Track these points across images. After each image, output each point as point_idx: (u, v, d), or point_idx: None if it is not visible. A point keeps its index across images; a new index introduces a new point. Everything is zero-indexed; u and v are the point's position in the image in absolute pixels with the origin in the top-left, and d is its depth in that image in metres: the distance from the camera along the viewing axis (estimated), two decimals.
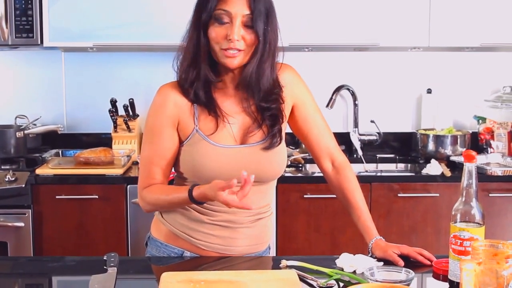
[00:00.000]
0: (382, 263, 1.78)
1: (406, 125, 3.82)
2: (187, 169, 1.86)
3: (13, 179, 3.07)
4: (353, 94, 3.71)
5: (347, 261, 1.76)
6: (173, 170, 1.94)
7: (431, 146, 3.53)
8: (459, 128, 3.72)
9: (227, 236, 1.89)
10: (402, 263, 1.78)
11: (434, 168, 3.27)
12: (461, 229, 1.59)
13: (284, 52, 1.89)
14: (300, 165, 3.43)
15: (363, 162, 3.57)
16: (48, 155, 3.41)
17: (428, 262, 1.80)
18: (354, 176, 2.01)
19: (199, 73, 1.82)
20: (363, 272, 1.69)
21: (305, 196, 3.18)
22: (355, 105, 3.71)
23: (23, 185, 3.07)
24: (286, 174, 3.26)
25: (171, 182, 1.95)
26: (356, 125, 3.71)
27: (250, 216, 1.89)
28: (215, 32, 1.77)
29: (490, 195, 3.20)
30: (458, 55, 3.76)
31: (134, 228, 3.15)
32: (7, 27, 3.27)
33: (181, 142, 1.87)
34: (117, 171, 3.18)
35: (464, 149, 3.48)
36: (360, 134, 3.69)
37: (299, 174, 3.37)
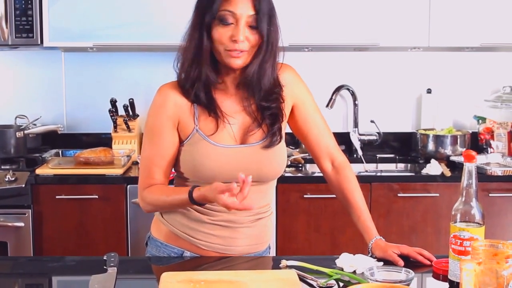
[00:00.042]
0: (382, 263, 1.78)
1: (406, 125, 3.82)
2: (187, 169, 1.86)
3: (13, 179, 3.07)
4: (353, 94, 3.71)
5: (347, 261, 1.77)
6: (173, 170, 1.94)
7: (431, 146, 3.53)
8: (459, 128, 3.72)
9: (227, 236, 1.89)
10: (402, 263, 1.78)
11: (434, 168, 3.27)
12: (461, 229, 1.59)
13: (284, 52, 1.89)
14: (300, 165, 3.43)
15: (363, 162, 3.57)
16: (48, 155, 3.41)
17: (428, 262, 1.80)
18: (354, 176, 2.01)
19: (200, 73, 1.82)
20: (363, 272, 1.69)
21: (305, 196, 3.18)
22: (355, 105, 3.71)
23: (23, 185, 3.07)
24: (286, 174, 3.26)
25: (171, 182, 1.95)
26: (356, 125, 3.71)
27: (250, 216, 1.89)
28: (219, 32, 1.77)
29: (490, 195, 3.20)
30: (458, 55, 3.76)
31: (134, 228, 3.15)
32: (7, 27, 3.27)
33: (181, 142, 1.87)
34: (117, 171, 3.18)
35: (464, 149, 3.48)
36: (360, 134, 3.69)
37: (299, 174, 3.37)
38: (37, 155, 3.43)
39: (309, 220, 3.20)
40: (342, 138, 3.55)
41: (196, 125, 1.85)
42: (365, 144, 3.71)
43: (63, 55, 3.69)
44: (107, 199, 3.14)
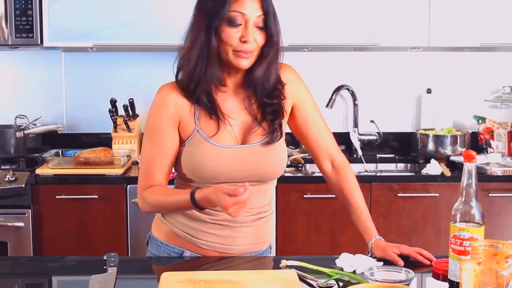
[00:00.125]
0: (381, 263, 1.79)
1: (406, 125, 3.82)
2: (188, 169, 1.86)
3: (13, 179, 3.08)
4: (353, 94, 3.71)
5: (347, 261, 1.77)
6: (173, 170, 1.94)
7: (431, 146, 3.53)
8: (459, 128, 3.72)
9: (227, 235, 1.89)
10: (401, 263, 1.78)
11: (434, 168, 3.27)
12: (461, 229, 1.59)
13: (284, 52, 1.89)
14: (300, 165, 3.43)
15: (363, 162, 3.57)
16: (48, 155, 3.41)
17: (428, 262, 1.80)
18: (354, 176, 2.01)
19: (205, 74, 1.81)
20: (363, 272, 1.69)
21: (305, 196, 3.18)
22: (355, 105, 3.71)
23: (23, 185, 3.07)
24: (286, 174, 3.26)
25: (171, 182, 1.95)
26: (356, 125, 3.71)
27: (251, 216, 1.89)
28: (228, 33, 1.77)
29: (490, 195, 3.20)
30: (458, 55, 3.76)
31: (134, 228, 3.15)
32: (7, 27, 3.27)
33: (181, 142, 1.87)
34: (117, 171, 3.18)
35: (464, 149, 3.48)
36: (360, 134, 3.69)
37: (299, 174, 3.37)
38: (37, 155, 3.43)
39: (309, 220, 3.20)
40: (342, 138, 3.56)
41: (197, 126, 1.85)
42: (365, 144, 3.71)
43: (63, 55, 3.69)
44: (107, 199, 3.14)
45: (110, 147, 3.45)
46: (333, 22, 3.38)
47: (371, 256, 1.85)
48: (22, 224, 3.10)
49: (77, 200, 3.14)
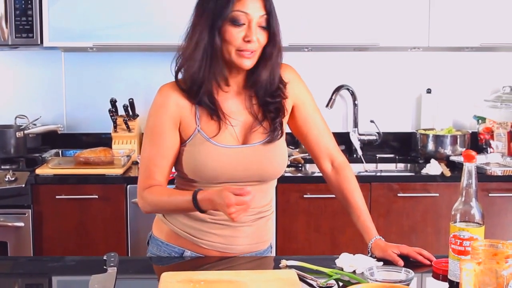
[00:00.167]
0: (381, 263, 1.79)
1: (406, 125, 3.82)
2: (188, 169, 1.86)
3: (13, 179, 3.08)
4: (352, 94, 3.71)
5: (347, 261, 1.77)
6: (173, 170, 1.94)
7: (430, 146, 3.53)
8: (459, 128, 3.72)
9: (228, 235, 1.89)
10: (401, 263, 1.78)
11: (433, 168, 3.27)
12: (460, 229, 1.59)
13: (284, 52, 1.89)
14: (300, 165, 3.43)
15: (363, 162, 3.58)
16: (48, 155, 3.41)
17: (428, 262, 1.80)
18: (354, 176, 2.01)
19: (210, 75, 1.81)
20: (362, 272, 1.69)
21: (305, 196, 3.18)
22: (355, 105, 3.71)
23: (23, 185, 3.07)
24: (286, 174, 3.26)
25: (171, 182, 1.95)
26: (355, 125, 3.71)
27: (251, 215, 1.89)
28: (231, 33, 1.77)
29: (489, 195, 3.20)
30: (457, 55, 3.76)
31: (134, 228, 3.15)
32: (7, 27, 3.27)
33: (182, 142, 1.87)
34: (117, 171, 3.18)
35: (464, 149, 3.48)
36: (360, 134, 3.69)
37: (299, 174, 3.37)
38: (37, 155, 3.43)
39: (309, 220, 3.20)
40: (342, 138, 3.56)
41: (198, 126, 1.85)
42: (365, 144, 3.71)
43: (63, 55, 3.69)
44: (107, 199, 3.14)
45: (110, 147, 3.46)
46: (333, 22, 3.38)
47: (371, 256, 1.85)
48: (22, 224, 3.10)
49: (77, 200, 3.14)
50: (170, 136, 1.85)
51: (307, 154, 3.40)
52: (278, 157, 1.90)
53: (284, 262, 1.80)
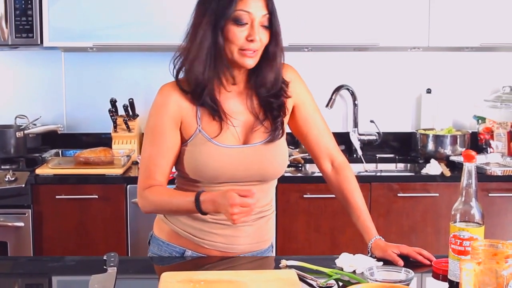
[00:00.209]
0: (381, 263, 1.79)
1: (406, 125, 3.82)
2: (189, 169, 1.86)
3: (13, 179, 3.08)
4: (352, 94, 3.71)
5: (347, 261, 1.77)
6: (173, 169, 1.94)
7: (430, 146, 3.53)
8: (459, 128, 3.72)
9: (229, 235, 1.89)
10: (401, 263, 1.78)
11: (433, 168, 3.27)
12: (460, 229, 1.59)
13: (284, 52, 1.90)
14: (300, 165, 3.43)
15: (362, 162, 3.58)
16: (48, 155, 3.41)
17: (428, 262, 1.80)
18: (354, 176, 2.01)
19: (214, 75, 1.81)
20: (362, 272, 1.69)
21: (304, 196, 3.18)
22: (355, 105, 3.71)
23: (23, 185, 3.07)
24: (286, 174, 3.26)
25: (171, 182, 1.95)
26: (355, 125, 3.71)
27: (252, 215, 1.89)
28: (234, 32, 1.77)
29: (489, 195, 3.20)
30: (457, 55, 3.76)
31: (134, 228, 3.15)
32: (7, 27, 3.27)
33: (183, 142, 1.87)
34: (117, 171, 3.18)
35: (464, 149, 3.48)
36: (360, 134, 3.69)
37: (299, 174, 3.37)
38: (37, 155, 3.43)
39: (309, 220, 3.20)
40: (342, 138, 3.56)
41: (199, 125, 1.84)
42: (365, 144, 3.71)
43: (63, 55, 3.69)
44: (107, 199, 3.14)
45: (110, 147, 3.46)
46: (333, 22, 3.38)
47: (371, 256, 1.85)
48: (22, 224, 3.10)
49: (77, 200, 3.14)
50: (171, 136, 1.85)
51: (307, 154, 3.40)
52: (279, 156, 1.90)
53: (284, 262, 1.80)
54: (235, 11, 1.75)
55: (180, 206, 1.81)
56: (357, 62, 3.77)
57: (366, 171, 3.58)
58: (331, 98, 3.61)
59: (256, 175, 1.86)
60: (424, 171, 3.29)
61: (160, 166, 1.86)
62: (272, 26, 1.80)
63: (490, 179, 3.21)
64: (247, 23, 1.77)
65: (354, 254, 1.81)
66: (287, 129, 1.98)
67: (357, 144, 3.65)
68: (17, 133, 3.36)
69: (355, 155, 3.64)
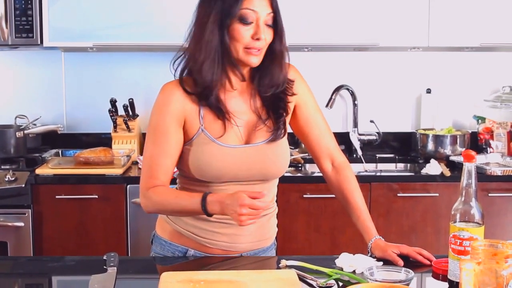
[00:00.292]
0: (381, 263, 1.79)
1: (406, 125, 3.82)
2: (192, 168, 1.85)
3: (13, 179, 3.08)
4: (352, 94, 3.71)
5: (347, 261, 1.77)
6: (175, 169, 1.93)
7: (430, 146, 3.53)
8: (459, 128, 3.72)
9: (232, 233, 1.89)
10: (401, 262, 1.78)
11: (433, 168, 3.27)
12: (460, 229, 1.60)
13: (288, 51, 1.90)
14: (300, 165, 3.43)
15: (362, 162, 3.58)
16: (48, 155, 3.41)
17: (428, 262, 1.80)
18: (354, 176, 2.01)
19: (223, 75, 1.81)
20: (362, 272, 1.69)
21: (304, 196, 3.18)
22: (355, 105, 3.71)
23: (23, 185, 3.07)
24: (286, 174, 3.25)
25: (172, 181, 1.95)
26: (355, 125, 3.71)
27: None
28: (239, 31, 1.77)
29: (489, 195, 3.20)
30: (457, 55, 3.76)
31: (134, 228, 3.15)
32: (7, 27, 3.27)
33: (185, 142, 1.86)
34: (117, 171, 3.18)
35: (464, 149, 3.48)
36: (360, 134, 3.69)
37: (299, 174, 3.37)
38: (37, 155, 3.43)
39: (309, 220, 3.20)
40: (342, 138, 3.55)
41: (202, 125, 1.84)
42: (365, 144, 3.71)
43: (63, 55, 3.69)
44: (107, 199, 3.14)
45: (110, 147, 3.46)
46: (333, 22, 3.38)
47: (371, 256, 1.85)
48: (22, 224, 3.10)
49: (77, 200, 3.14)
50: (174, 135, 1.84)
51: (307, 154, 3.41)
52: (281, 156, 1.91)
53: (284, 262, 1.80)
54: (241, 10, 1.75)
55: (185, 207, 1.80)
56: (357, 62, 3.77)
57: (366, 171, 3.58)
58: (331, 98, 3.61)
59: (258, 175, 1.87)
60: (424, 171, 3.29)
61: (163, 166, 1.84)
62: (277, 25, 1.81)
63: (490, 179, 3.21)
64: (252, 22, 1.77)
65: (354, 254, 1.81)
66: (288, 129, 1.98)
67: (357, 144, 3.65)
68: (17, 133, 3.36)
69: (355, 155, 3.64)
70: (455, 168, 3.32)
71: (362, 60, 3.77)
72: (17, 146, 3.36)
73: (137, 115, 3.55)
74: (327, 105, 3.58)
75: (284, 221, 3.19)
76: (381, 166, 3.64)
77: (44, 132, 3.55)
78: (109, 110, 3.44)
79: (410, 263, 1.80)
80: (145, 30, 3.32)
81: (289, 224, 3.19)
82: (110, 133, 3.54)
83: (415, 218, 3.22)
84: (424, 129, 3.67)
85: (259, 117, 1.88)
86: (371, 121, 3.69)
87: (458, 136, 3.52)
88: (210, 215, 1.77)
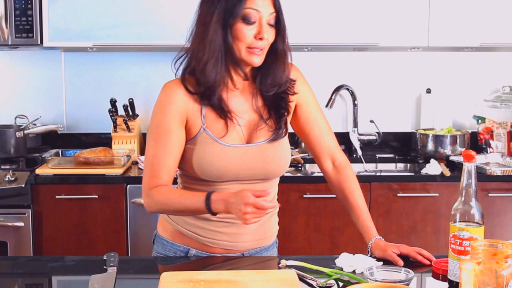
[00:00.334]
0: (381, 262, 1.79)
1: (406, 125, 3.82)
2: (193, 167, 1.84)
3: (13, 179, 3.08)
4: (352, 94, 3.71)
5: (347, 261, 1.77)
6: None
7: (430, 146, 3.53)
8: (459, 128, 3.72)
9: (233, 233, 1.89)
10: (401, 262, 1.78)
11: (433, 168, 3.27)
12: (460, 228, 1.60)
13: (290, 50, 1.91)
14: (300, 165, 3.43)
15: (362, 162, 3.58)
16: (48, 155, 3.41)
17: (428, 262, 1.80)
18: (354, 176, 2.01)
19: (226, 74, 1.81)
20: (362, 272, 1.69)
21: (304, 196, 3.18)
22: (355, 105, 3.71)
23: (23, 185, 3.07)
24: (286, 174, 3.24)
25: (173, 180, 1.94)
26: (355, 125, 3.71)
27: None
28: (242, 31, 1.77)
29: (489, 195, 3.20)
30: (457, 55, 3.77)
31: (134, 228, 3.15)
32: (7, 27, 3.27)
33: (186, 140, 1.85)
34: (117, 171, 3.18)
35: (464, 149, 3.48)
36: (360, 134, 3.70)
37: (299, 174, 3.37)
38: (37, 155, 3.43)
39: (309, 220, 3.20)
40: (342, 138, 3.55)
41: (204, 124, 1.84)
42: (365, 144, 3.71)
43: (63, 55, 3.69)
44: (107, 199, 3.14)
45: (110, 147, 3.46)
46: (333, 22, 3.38)
47: (370, 256, 1.85)
48: (22, 224, 3.10)
49: (77, 200, 3.14)
50: (177, 134, 1.83)
51: (306, 154, 3.41)
52: (282, 155, 1.91)
53: (284, 262, 1.80)
54: (244, 9, 1.75)
55: (189, 206, 1.78)
56: (357, 62, 3.77)
57: (366, 171, 3.58)
58: (331, 98, 3.61)
59: (259, 174, 1.87)
60: (424, 171, 3.29)
61: (166, 165, 1.82)
62: (280, 24, 1.81)
63: (490, 179, 3.21)
64: (255, 22, 1.77)
65: (354, 254, 1.81)
66: (288, 128, 1.98)
67: (357, 144, 3.65)
68: (17, 133, 3.36)
69: (355, 155, 3.64)
70: (455, 168, 3.32)
71: (362, 60, 3.77)
72: (17, 146, 3.36)
73: (137, 115, 3.55)
74: (327, 105, 3.58)
75: (284, 221, 3.16)
76: (381, 166, 3.64)
77: (44, 132, 3.55)
78: (109, 110, 3.44)
79: (410, 263, 1.80)
80: (145, 30, 3.32)
81: (289, 224, 3.19)
82: (110, 133, 3.54)
83: (415, 218, 3.22)
84: (424, 129, 3.67)
85: (261, 116, 1.88)
86: (371, 121, 3.69)
87: (458, 136, 3.52)
88: (214, 214, 1.75)
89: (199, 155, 1.83)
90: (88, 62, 3.70)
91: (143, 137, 3.63)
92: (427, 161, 3.40)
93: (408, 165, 3.63)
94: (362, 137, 3.69)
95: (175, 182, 1.96)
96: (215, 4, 1.78)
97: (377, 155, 3.68)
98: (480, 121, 3.67)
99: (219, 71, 1.79)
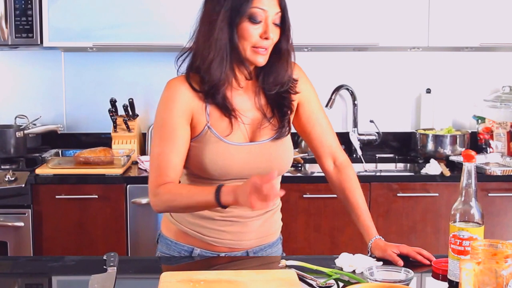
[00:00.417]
0: (381, 262, 1.79)
1: (406, 125, 3.82)
2: (197, 165, 1.84)
3: (13, 179, 3.08)
4: (352, 94, 3.71)
5: (347, 261, 1.77)
6: None
7: (430, 146, 3.53)
8: (458, 128, 3.72)
9: (237, 231, 1.90)
10: (401, 262, 1.78)
11: (433, 168, 3.27)
12: (460, 228, 1.60)
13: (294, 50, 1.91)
14: (300, 165, 3.44)
15: (362, 162, 3.58)
16: (48, 155, 3.41)
17: (428, 262, 1.80)
18: (355, 175, 2.01)
19: (231, 73, 1.80)
20: (362, 272, 1.69)
21: (304, 196, 3.18)
22: (355, 105, 3.71)
23: (23, 185, 3.07)
24: (286, 174, 3.25)
25: None
26: (355, 125, 3.71)
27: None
28: (248, 30, 1.76)
29: (489, 194, 3.20)
30: (457, 55, 3.77)
31: (133, 228, 3.15)
32: (7, 27, 3.27)
33: (191, 138, 1.84)
34: (117, 171, 3.18)
35: (463, 149, 3.48)
36: (360, 134, 3.70)
37: (299, 174, 3.37)
38: (37, 155, 3.43)
39: (309, 220, 3.20)
40: (342, 138, 3.51)
41: (208, 122, 1.83)
42: (365, 144, 3.71)
43: (63, 55, 3.69)
44: (107, 199, 3.14)
45: (110, 147, 3.46)
46: (333, 22, 3.38)
47: (370, 256, 1.85)
48: (22, 224, 3.10)
49: (77, 200, 3.14)
50: (182, 131, 1.81)
51: (306, 154, 3.41)
52: (285, 153, 1.91)
53: (283, 262, 1.80)
54: (251, 9, 1.75)
55: (199, 200, 1.74)
56: (357, 62, 3.77)
57: (366, 171, 3.58)
58: (330, 98, 3.61)
59: (263, 172, 1.84)
60: (423, 171, 3.29)
61: (172, 163, 1.80)
62: (285, 24, 1.82)
63: (490, 179, 3.21)
64: (261, 21, 1.77)
65: (353, 254, 1.81)
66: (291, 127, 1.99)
67: (356, 144, 3.65)
68: (17, 133, 3.36)
69: (354, 155, 3.64)
70: (455, 168, 3.32)
71: (362, 60, 3.77)
72: (17, 146, 3.36)
73: (137, 115, 3.55)
74: (327, 105, 3.58)
75: (283, 221, 3.17)
76: (381, 166, 3.64)
77: (44, 132, 3.55)
78: (109, 110, 3.44)
79: (410, 263, 1.80)
80: (145, 30, 3.32)
81: (289, 224, 3.19)
82: (110, 133, 3.54)
83: (415, 218, 3.22)
84: (424, 129, 3.67)
85: (264, 115, 1.88)
86: (371, 121, 3.69)
87: (458, 136, 3.52)
88: (224, 206, 1.71)
89: (203, 153, 1.82)
90: (88, 62, 3.70)
91: (143, 137, 3.63)
92: (427, 161, 3.40)
93: (408, 165, 3.63)
94: (362, 137, 3.69)
95: None
96: (221, 3, 1.77)
97: (377, 155, 3.68)
98: (480, 121, 3.68)
99: (224, 70, 1.79)
